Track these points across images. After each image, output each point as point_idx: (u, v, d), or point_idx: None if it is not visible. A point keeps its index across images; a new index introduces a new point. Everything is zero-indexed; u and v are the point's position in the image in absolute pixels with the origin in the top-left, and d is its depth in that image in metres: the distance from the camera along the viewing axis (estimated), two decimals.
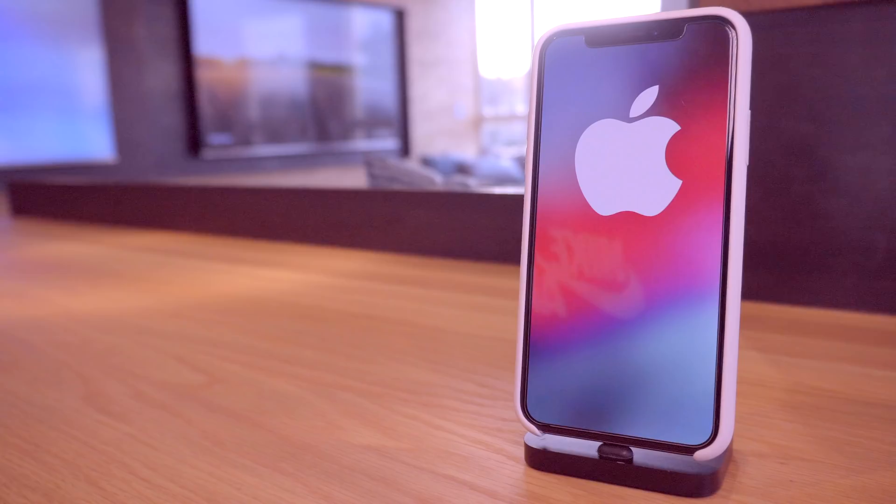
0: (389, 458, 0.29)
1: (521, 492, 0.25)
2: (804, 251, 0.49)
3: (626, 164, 0.26)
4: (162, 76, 3.70)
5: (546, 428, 0.26)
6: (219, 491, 0.26)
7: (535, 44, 0.27)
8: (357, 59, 4.64)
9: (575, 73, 0.27)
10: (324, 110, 4.48)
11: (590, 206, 0.26)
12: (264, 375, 0.40)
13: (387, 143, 4.87)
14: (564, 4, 4.88)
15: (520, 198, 0.64)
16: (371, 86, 4.73)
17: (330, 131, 4.53)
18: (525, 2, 5.03)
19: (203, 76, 3.78)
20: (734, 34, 0.24)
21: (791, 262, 0.50)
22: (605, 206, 0.26)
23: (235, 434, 0.32)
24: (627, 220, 0.26)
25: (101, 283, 0.70)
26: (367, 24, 4.66)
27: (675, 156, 0.25)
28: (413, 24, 4.82)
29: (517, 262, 0.28)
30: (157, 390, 0.38)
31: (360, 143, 4.70)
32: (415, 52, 4.87)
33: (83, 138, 3.46)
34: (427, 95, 5.05)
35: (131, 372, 0.41)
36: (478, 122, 5.32)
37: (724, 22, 0.24)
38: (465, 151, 5.06)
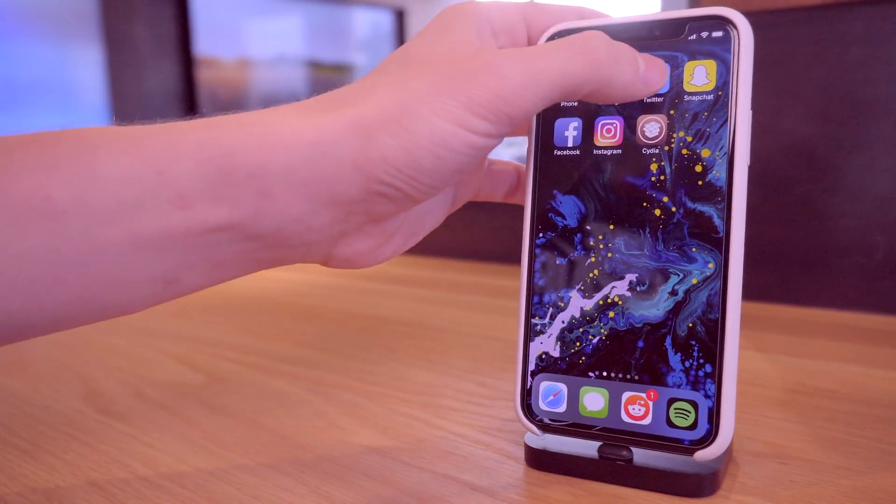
0: (389, 458, 0.29)
1: (521, 492, 0.25)
2: (804, 251, 0.49)
3: None
4: (162, 76, 3.69)
5: (546, 428, 0.26)
6: (219, 491, 0.26)
7: (537, 43, 0.27)
8: (357, 59, 4.64)
9: None
10: None
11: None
12: (264, 375, 0.40)
13: None
14: (565, 4, 4.88)
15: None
16: None
17: None
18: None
19: (203, 76, 3.78)
20: (735, 33, 0.24)
21: (791, 262, 0.50)
22: None
23: (235, 434, 0.32)
24: None
25: None
26: (367, 24, 4.65)
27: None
28: (413, 24, 4.82)
29: (517, 262, 0.28)
30: (157, 390, 0.38)
31: None
32: None
33: None
34: None
35: (131, 372, 0.41)
36: None
37: (726, 21, 0.24)
38: None
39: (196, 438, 0.31)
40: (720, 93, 0.24)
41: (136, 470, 0.28)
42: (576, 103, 0.27)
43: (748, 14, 0.25)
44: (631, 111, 0.26)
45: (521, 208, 0.28)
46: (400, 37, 4.97)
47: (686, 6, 0.61)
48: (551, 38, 0.27)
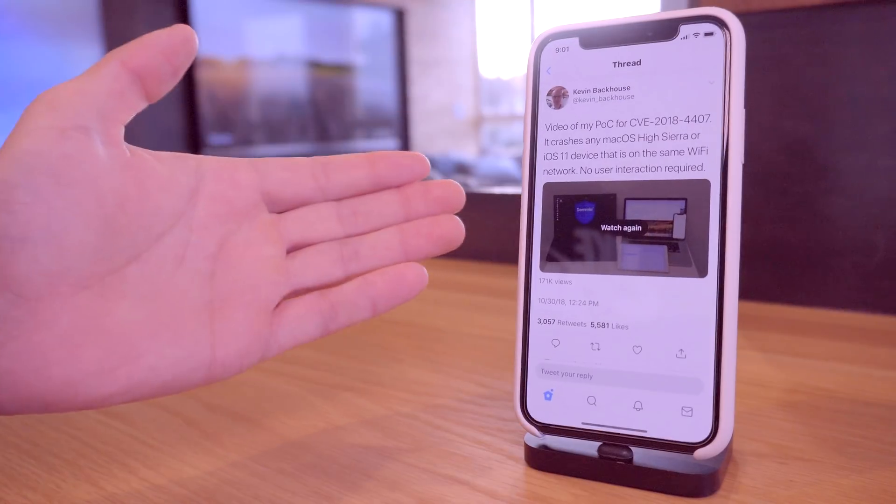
0: (389, 458, 0.29)
1: (521, 492, 0.25)
2: (804, 251, 0.49)
3: None
4: None
5: (546, 428, 0.26)
6: (219, 491, 0.26)
7: (531, 46, 0.27)
8: (357, 59, 4.64)
9: (570, 74, 0.27)
10: (324, 110, 4.48)
11: None
12: (264, 375, 0.40)
13: (387, 143, 4.86)
14: (564, 4, 4.88)
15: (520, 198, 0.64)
16: (371, 86, 4.73)
17: (330, 131, 4.53)
18: (525, 2, 5.03)
19: (203, 76, 3.78)
20: (728, 34, 0.24)
21: (791, 262, 0.50)
22: None
23: (235, 434, 0.32)
24: None
25: None
26: (367, 24, 4.66)
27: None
28: (413, 24, 4.82)
29: (517, 261, 0.28)
30: None
31: (360, 144, 4.70)
32: (415, 52, 4.87)
33: None
34: (427, 95, 5.05)
35: None
36: (478, 122, 5.32)
37: (718, 22, 0.24)
38: (465, 151, 5.06)
39: (196, 438, 0.31)
40: (713, 93, 0.24)
41: (137, 470, 0.28)
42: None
43: (748, 14, 0.25)
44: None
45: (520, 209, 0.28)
46: (400, 37, 4.96)
47: (686, 6, 0.61)
48: (543, 42, 0.27)
